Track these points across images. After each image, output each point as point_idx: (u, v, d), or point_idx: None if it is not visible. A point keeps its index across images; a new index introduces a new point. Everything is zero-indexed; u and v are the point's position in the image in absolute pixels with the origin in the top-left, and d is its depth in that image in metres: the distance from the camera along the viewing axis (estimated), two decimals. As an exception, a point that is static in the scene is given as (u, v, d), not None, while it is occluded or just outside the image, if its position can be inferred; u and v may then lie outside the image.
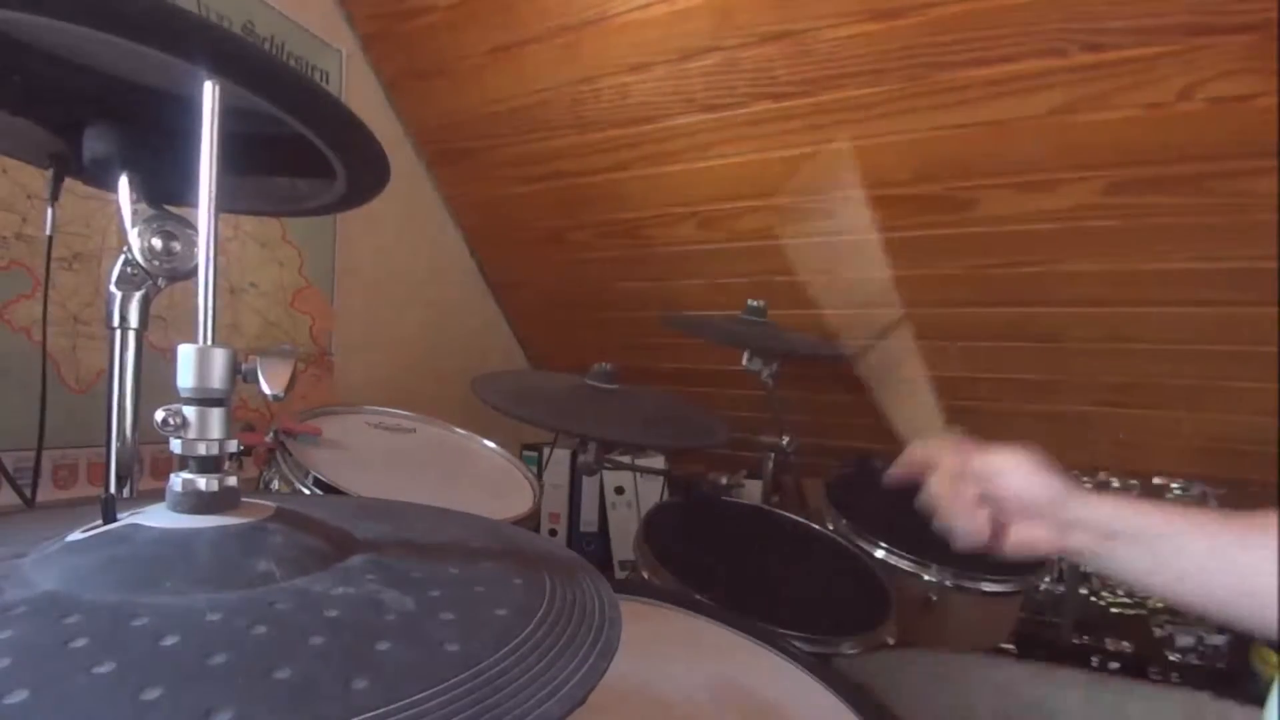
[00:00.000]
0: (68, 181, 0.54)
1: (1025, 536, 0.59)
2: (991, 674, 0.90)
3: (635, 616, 0.83)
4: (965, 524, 0.60)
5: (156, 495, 0.40)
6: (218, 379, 0.39)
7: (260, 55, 0.43)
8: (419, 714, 0.25)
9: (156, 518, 0.37)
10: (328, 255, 1.44)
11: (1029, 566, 1.19)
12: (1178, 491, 1.37)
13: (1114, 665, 1.39)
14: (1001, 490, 0.59)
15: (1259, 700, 0.53)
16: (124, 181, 0.45)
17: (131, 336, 0.46)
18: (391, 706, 0.25)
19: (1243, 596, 0.49)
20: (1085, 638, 1.42)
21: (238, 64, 0.40)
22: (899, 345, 0.72)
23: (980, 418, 1.57)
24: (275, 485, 0.94)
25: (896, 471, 0.65)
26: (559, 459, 1.62)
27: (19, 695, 0.24)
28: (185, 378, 0.38)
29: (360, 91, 1.47)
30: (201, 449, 0.39)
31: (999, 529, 0.60)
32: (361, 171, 0.54)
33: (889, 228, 1.33)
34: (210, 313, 0.40)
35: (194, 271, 0.42)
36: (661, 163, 1.42)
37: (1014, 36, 1.00)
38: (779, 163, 1.32)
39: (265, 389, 0.40)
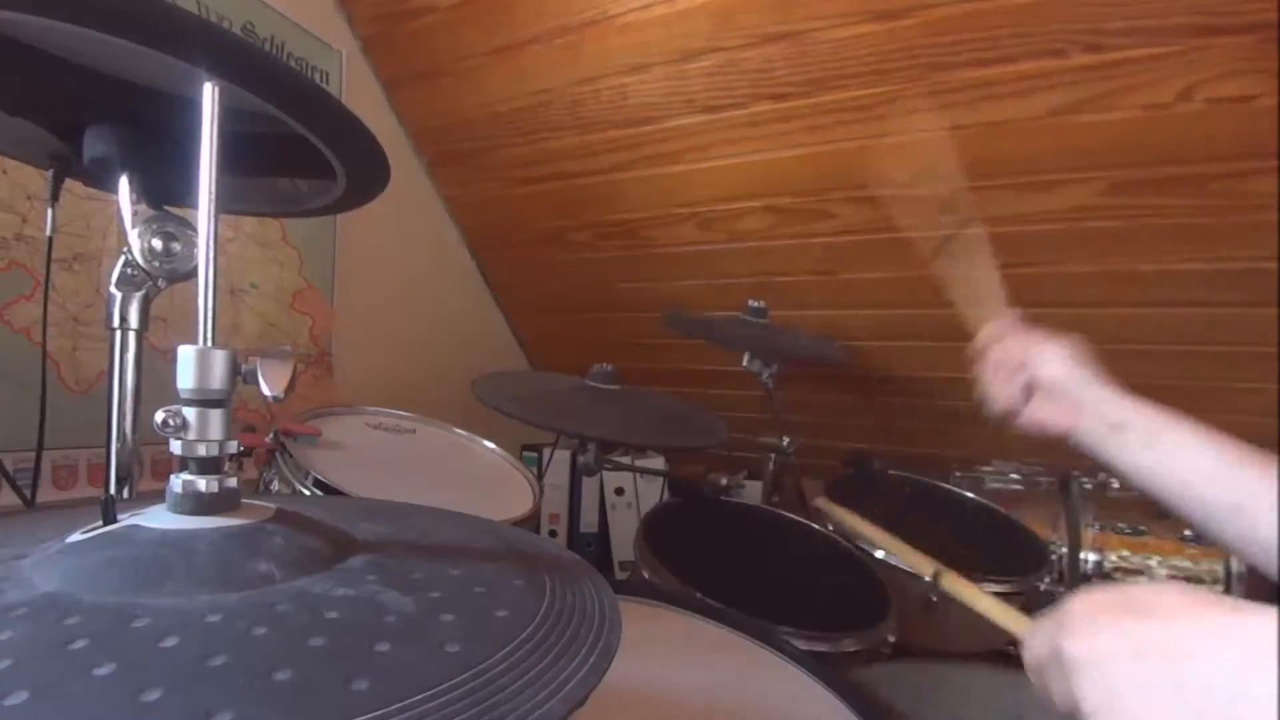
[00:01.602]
0: (68, 182, 0.54)
1: (1041, 414, 0.66)
2: (992, 683, 0.90)
3: (635, 617, 0.83)
4: (999, 392, 0.68)
5: (156, 496, 0.40)
6: (218, 380, 0.39)
7: (260, 56, 0.43)
8: (419, 715, 0.25)
9: (156, 519, 0.37)
10: (328, 256, 1.44)
11: (1029, 567, 1.19)
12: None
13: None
14: (1035, 366, 0.66)
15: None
16: (124, 182, 0.45)
17: (132, 337, 0.45)
18: (392, 708, 0.25)
19: (1236, 511, 0.53)
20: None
21: (237, 64, 0.40)
22: (974, 237, 0.81)
23: (981, 419, 1.57)
24: (275, 486, 0.94)
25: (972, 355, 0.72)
26: (559, 460, 1.62)
27: (19, 696, 0.24)
28: (185, 379, 0.38)
29: (360, 92, 1.47)
30: (201, 450, 0.39)
31: (1024, 402, 0.67)
32: (361, 172, 0.54)
33: (888, 228, 1.33)
34: (210, 314, 0.40)
35: (194, 272, 0.42)
36: (662, 163, 1.42)
37: (1014, 37, 1.00)
38: (779, 163, 1.32)
39: (265, 390, 0.40)
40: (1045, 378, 0.65)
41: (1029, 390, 0.67)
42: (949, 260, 0.80)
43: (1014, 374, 0.67)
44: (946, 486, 1.41)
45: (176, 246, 0.44)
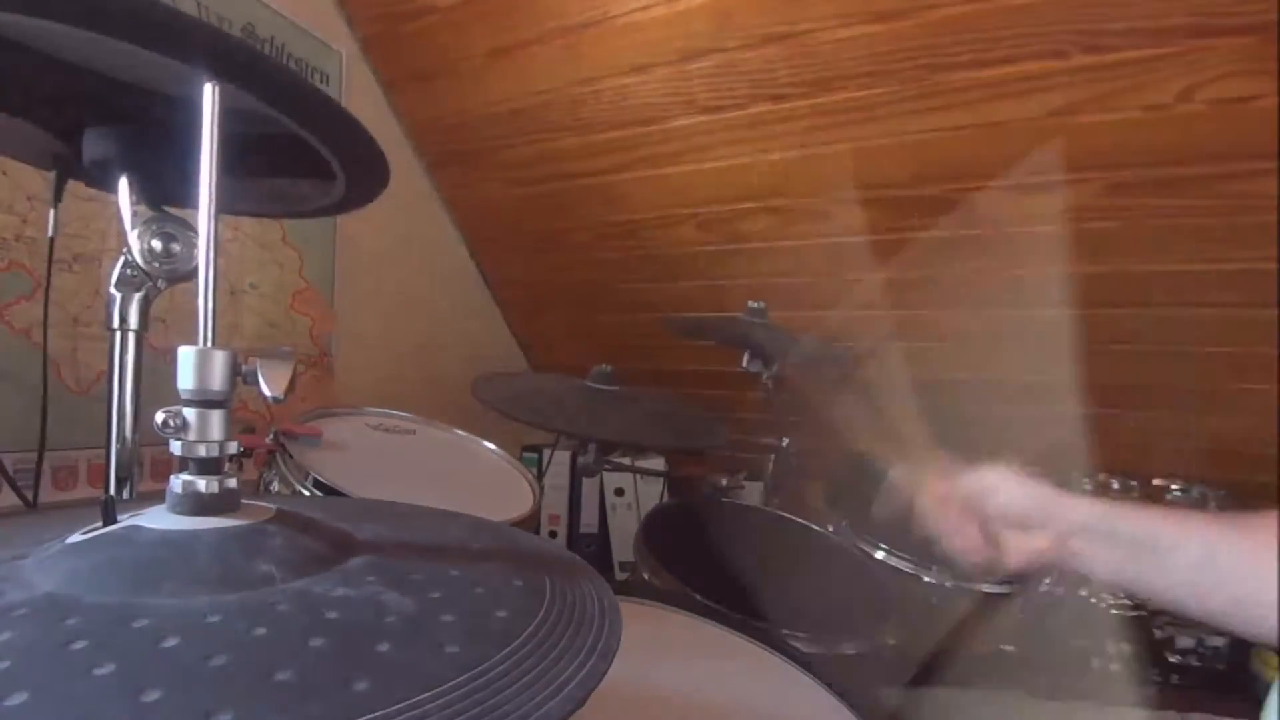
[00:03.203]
0: (68, 183, 0.54)
1: (1025, 546, 0.59)
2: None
3: (635, 618, 0.83)
4: (961, 542, 0.61)
5: (156, 497, 0.40)
6: (218, 381, 0.39)
7: (258, 57, 0.43)
8: (419, 715, 0.25)
9: (156, 519, 0.37)
10: (328, 257, 1.44)
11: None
12: (1177, 494, 1.37)
13: (1114, 667, 1.39)
14: (991, 504, 0.59)
15: (1260, 703, 0.53)
16: (124, 183, 0.45)
17: (131, 338, 0.45)
18: (392, 708, 0.25)
19: (1237, 604, 0.48)
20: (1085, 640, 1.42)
21: (236, 66, 0.40)
22: (893, 361, 0.72)
23: (981, 421, 1.57)
24: (275, 487, 0.94)
25: (881, 512, 0.67)
26: (559, 460, 1.62)
27: (19, 697, 0.24)
28: (185, 379, 0.38)
29: (360, 93, 1.47)
30: (201, 451, 0.39)
31: (996, 545, 0.60)
32: (360, 174, 0.54)
33: (890, 229, 1.33)
34: (210, 314, 0.40)
35: (194, 273, 0.42)
36: (662, 164, 1.42)
37: (1014, 38, 1.00)
38: (779, 164, 1.32)
39: (265, 391, 0.40)
40: (1006, 509, 0.58)
41: (991, 531, 0.59)
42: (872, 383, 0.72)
43: (966, 519, 0.60)
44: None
45: (176, 247, 0.45)
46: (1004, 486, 0.59)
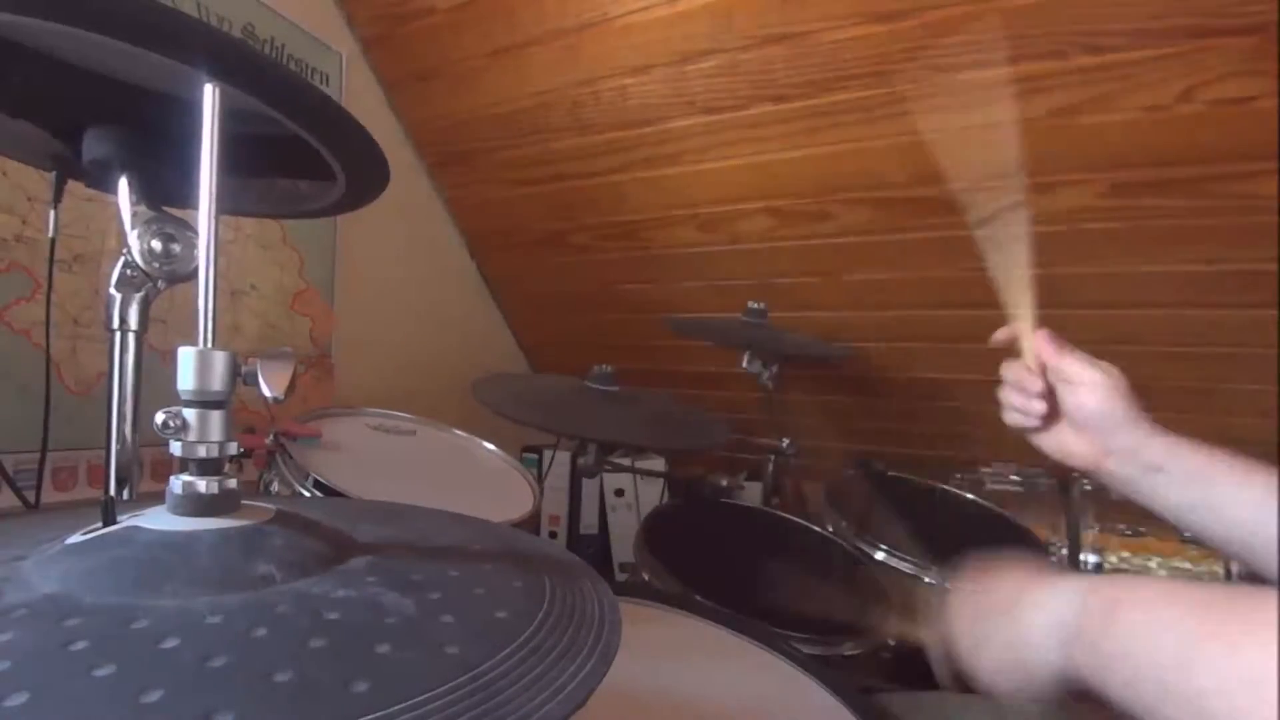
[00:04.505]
0: (68, 184, 0.54)
1: (1067, 443, 0.62)
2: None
3: (635, 619, 0.83)
4: (1022, 408, 0.63)
5: (156, 498, 0.40)
6: (218, 381, 0.39)
7: (258, 57, 0.43)
8: (419, 716, 0.25)
9: (156, 520, 0.37)
10: (328, 257, 1.44)
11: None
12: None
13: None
14: (1073, 398, 0.61)
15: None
16: (124, 184, 0.45)
17: (131, 339, 0.45)
18: (392, 709, 0.25)
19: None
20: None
21: (235, 67, 0.40)
22: (1016, 227, 0.73)
23: (981, 421, 1.57)
24: (275, 488, 0.94)
25: (1000, 336, 0.69)
26: (559, 461, 1.62)
27: (19, 698, 0.24)
28: (185, 380, 0.38)
29: (360, 94, 1.47)
30: (201, 451, 0.38)
31: (1047, 424, 0.63)
32: (360, 174, 0.54)
33: (888, 230, 1.33)
34: (210, 315, 0.40)
35: (194, 274, 0.42)
36: (662, 165, 1.42)
37: (1014, 38, 1.00)
38: (779, 165, 1.32)
39: (265, 391, 0.40)
40: (1074, 408, 0.61)
41: (1053, 415, 0.62)
42: (988, 241, 0.74)
43: (1036, 395, 0.62)
44: (946, 488, 1.41)
45: (176, 248, 0.44)
46: (1099, 388, 0.61)
